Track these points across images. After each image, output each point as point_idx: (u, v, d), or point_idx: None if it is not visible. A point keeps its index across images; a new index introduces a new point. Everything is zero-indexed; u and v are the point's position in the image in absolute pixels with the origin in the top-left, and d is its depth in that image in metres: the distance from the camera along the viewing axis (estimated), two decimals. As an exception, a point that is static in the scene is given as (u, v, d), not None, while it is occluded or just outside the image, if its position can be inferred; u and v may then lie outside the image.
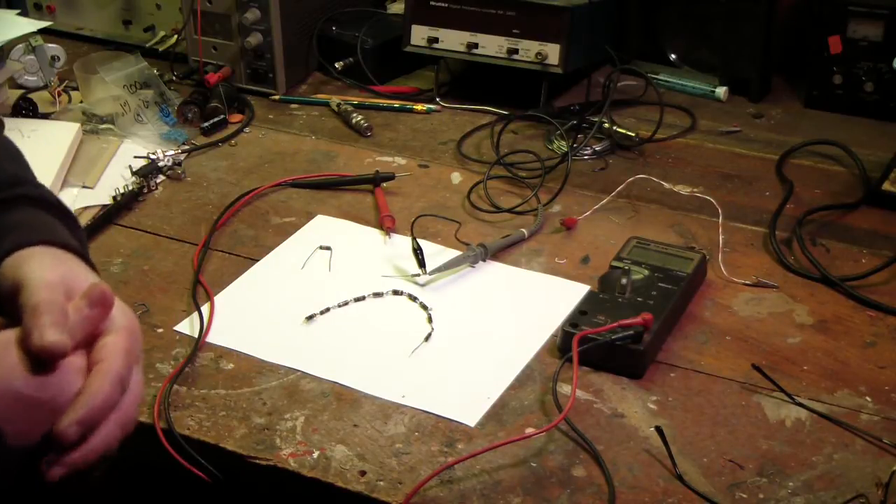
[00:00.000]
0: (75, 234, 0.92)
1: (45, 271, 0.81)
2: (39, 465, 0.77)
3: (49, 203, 0.92)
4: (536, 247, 1.36)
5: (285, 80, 1.75)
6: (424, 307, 1.25)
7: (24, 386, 0.75)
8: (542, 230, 1.39)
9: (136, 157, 1.55)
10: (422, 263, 1.28)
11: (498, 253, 1.34)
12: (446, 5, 1.68)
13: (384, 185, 1.49)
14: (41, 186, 0.94)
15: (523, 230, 1.37)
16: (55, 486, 0.77)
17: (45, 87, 1.71)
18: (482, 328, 1.21)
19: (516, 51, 1.65)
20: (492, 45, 1.67)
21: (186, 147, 1.60)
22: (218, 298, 1.26)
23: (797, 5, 1.76)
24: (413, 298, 1.26)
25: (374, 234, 1.39)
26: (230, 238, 1.39)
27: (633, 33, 1.83)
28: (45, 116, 1.65)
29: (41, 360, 0.76)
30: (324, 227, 1.41)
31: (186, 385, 1.13)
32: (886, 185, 1.45)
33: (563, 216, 1.41)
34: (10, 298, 0.81)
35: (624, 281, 1.21)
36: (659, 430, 1.03)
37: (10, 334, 0.78)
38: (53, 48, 1.73)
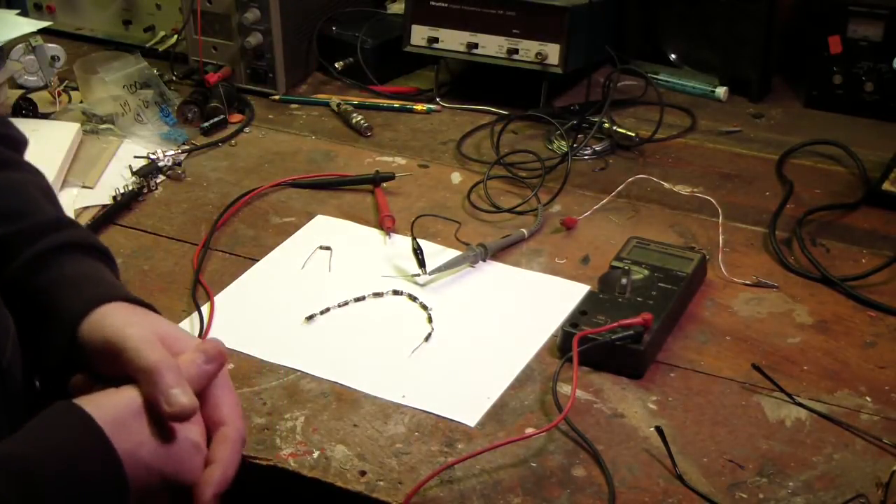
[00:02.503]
0: (116, 275, 0.94)
1: (138, 328, 0.83)
2: None
3: (93, 247, 0.93)
4: (536, 247, 1.36)
5: (285, 80, 1.75)
6: (424, 307, 1.25)
7: (153, 458, 0.77)
8: (542, 230, 1.39)
9: (136, 157, 1.55)
10: (422, 263, 1.28)
11: (498, 253, 1.34)
12: (446, 5, 1.68)
13: (384, 185, 1.49)
14: (77, 225, 0.95)
15: (523, 230, 1.37)
16: None
17: (45, 87, 1.71)
18: (482, 328, 1.21)
19: (516, 51, 1.65)
20: (492, 45, 1.67)
21: (186, 147, 1.60)
22: (218, 298, 1.26)
23: (797, 5, 1.76)
24: (413, 298, 1.26)
25: (374, 234, 1.39)
26: (230, 238, 1.39)
27: (633, 33, 1.83)
28: (45, 116, 1.65)
29: (166, 430, 0.78)
30: (324, 227, 1.41)
31: (186, 385, 1.13)
32: (886, 185, 1.45)
33: (563, 216, 1.41)
34: (103, 356, 0.83)
35: (624, 281, 1.21)
36: (659, 430, 1.03)
37: (135, 398, 0.79)
38: (53, 48, 1.73)
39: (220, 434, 0.83)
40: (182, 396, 0.79)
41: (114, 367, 0.82)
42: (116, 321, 0.84)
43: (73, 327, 0.85)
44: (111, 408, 0.77)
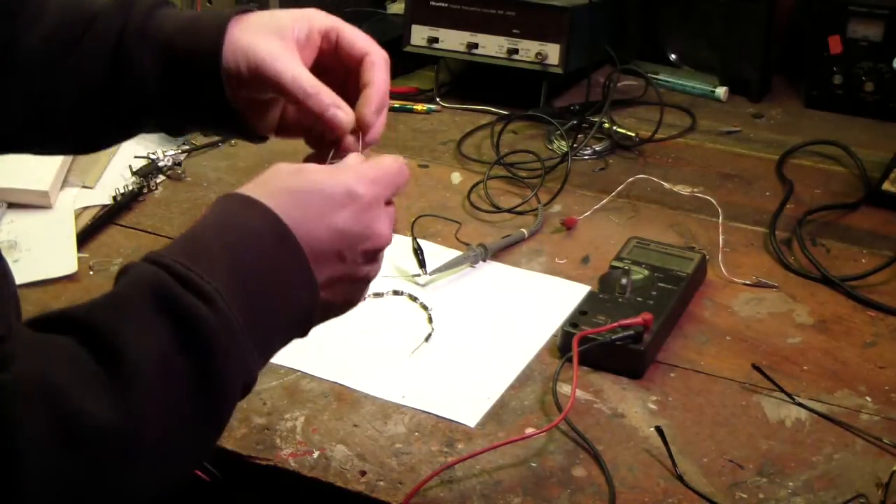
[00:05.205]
0: None
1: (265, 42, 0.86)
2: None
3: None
4: (536, 247, 1.36)
5: (285, 80, 1.75)
6: (424, 307, 1.25)
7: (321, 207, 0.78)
8: (542, 230, 1.39)
9: (136, 157, 1.55)
10: (422, 263, 1.28)
11: (498, 253, 1.34)
12: (446, 5, 1.68)
13: (384, 185, 1.49)
14: None
15: (523, 230, 1.37)
16: None
17: (45, 87, 1.70)
18: (482, 328, 1.22)
19: (516, 51, 1.65)
20: (492, 45, 1.67)
21: (186, 147, 1.60)
22: (218, 298, 1.26)
23: (797, 5, 1.77)
24: (413, 298, 1.26)
25: (374, 234, 1.39)
26: (230, 238, 1.39)
27: (633, 33, 1.83)
28: (45, 116, 1.65)
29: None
30: (324, 227, 1.41)
31: (186, 385, 1.13)
32: (886, 185, 1.45)
33: (563, 216, 1.41)
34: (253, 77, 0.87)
35: (624, 281, 1.21)
36: (659, 430, 1.03)
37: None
38: (53, 48, 1.72)
39: (366, 62, 0.88)
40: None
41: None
42: (258, 40, 0.86)
43: (215, 52, 0.86)
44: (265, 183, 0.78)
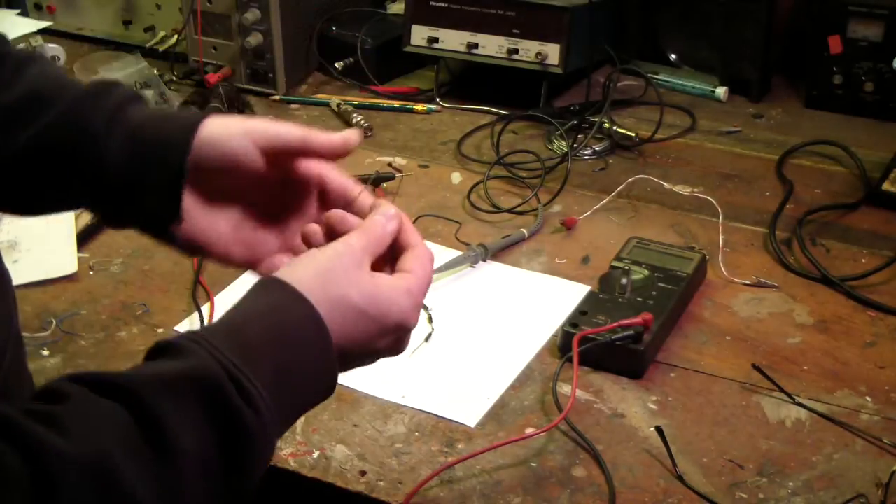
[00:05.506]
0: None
1: (252, 123, 0.87)
2: None
3: (139, 97, 0.93)
4: (536, 247, 1.36)
5: (285, 80, 1.75)
6: (424, 307, 1.24)
7: (360, 300, 0.78)
8: (542, 230, 1.39)
9: (136, 157, 1.55)
10: (422, 263, 1.28)
11: (498, 253, 1.34)
12: (446, 5, 1.68)
13: (384, 185, 1.49)
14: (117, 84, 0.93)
15: (523, 230, 1.37)
16: None
17: (45, 87, 1.70)
18: (482, 328, 1.22)
19: (516, 51, 1.65)
20: (492, 45, 1.67)
21: (186, 147, 1.60)
22: (218, 298, 1.26)
23: (797, 5, 1.76)
24: (413, 298, 1.26)
25: (374, 234, 1.39)
26: (230, 238, 1.39)
27: (633, 33, 1.83)
28: (45, 116, 1.65)
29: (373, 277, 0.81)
30: (324, 227, 1.40)
31: (186, 385, 1.13)
32: (886, 185, 1.45)
33: (563, 216, 1.41)
34: (223, 164, 0.86)
35: (624, 281, 1.21)
36: (659, 430, 1.03)
37: (340, 247, 0.80)
38: (53, 48, 1.73)
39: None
40: (338, 134, 0.87)
41: (238, 171, 0.86)
42: (224, 132, 0.86)
43: (184, 152, 0.85)
44: (304, 269, 0.79)
